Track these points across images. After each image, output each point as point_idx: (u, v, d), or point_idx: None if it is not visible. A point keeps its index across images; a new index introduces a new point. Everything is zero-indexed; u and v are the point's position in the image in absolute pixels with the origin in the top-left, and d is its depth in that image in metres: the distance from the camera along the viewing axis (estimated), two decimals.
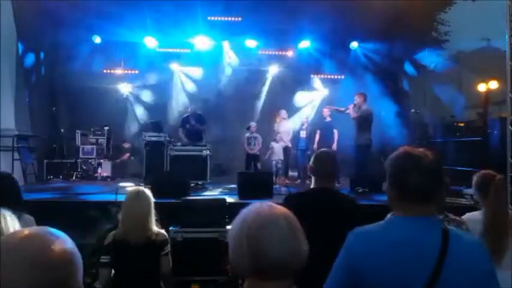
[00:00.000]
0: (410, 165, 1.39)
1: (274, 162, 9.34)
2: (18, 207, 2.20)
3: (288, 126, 9.69)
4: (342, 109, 8.13)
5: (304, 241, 1.14)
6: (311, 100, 11.90)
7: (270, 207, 1.16)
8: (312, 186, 2.65)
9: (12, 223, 1.54)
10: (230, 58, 11.55)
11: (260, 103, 12.00)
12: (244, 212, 1.15)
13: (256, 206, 1.16)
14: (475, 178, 2.86)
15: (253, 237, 1.08)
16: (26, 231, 0.88)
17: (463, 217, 2.69)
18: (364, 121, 7.48)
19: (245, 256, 1.09)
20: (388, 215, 2.56)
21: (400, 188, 1.42)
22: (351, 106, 7.71)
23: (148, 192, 2.94)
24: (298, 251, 1.10)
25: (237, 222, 1.15)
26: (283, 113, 9.87)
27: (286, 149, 9.48)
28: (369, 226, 1.46)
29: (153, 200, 2.93)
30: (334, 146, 8.94)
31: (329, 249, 2.38)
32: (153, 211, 2.90)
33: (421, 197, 1.38)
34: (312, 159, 2.71)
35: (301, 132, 9.78)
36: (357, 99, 7.53)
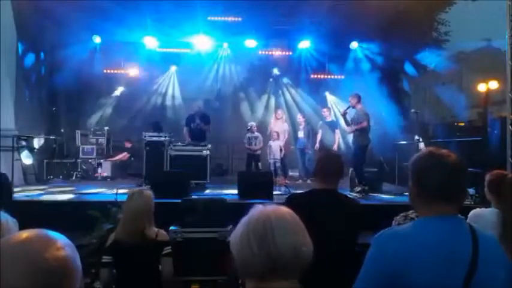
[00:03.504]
0: (434, 164, 1.40)
1: (272, 161, 9.31)
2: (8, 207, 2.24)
3: (282, 126, 9.65)
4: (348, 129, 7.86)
5: (309, 239, 1.15)
6: (311, 100, 11.90)
7: (274, 207, 1.18)
8: (315, 187, 2.64)
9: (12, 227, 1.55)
10: (230, 58, 11.55)
11: (260, 103, 12.01)
12: (247, 216, 1.16)
13: (260, 208, 1.17)
14: (487, 178, 2.84)
15: (264, 237, 1.09)
16: (24, 234, 0.87)
17: (473, 211, 2.69)
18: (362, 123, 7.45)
19: (256, 258, 1.08)
20: (398, 217, 2.58)
21: (423, 187, 1.42)
22: (346, 109, 7.66)
23: (149, 192, 2.94)
24: (306, 247, 1.12)
25: (241, 226, 1.15)
26: (279, 113, 9.87)
27: (281, 149, 9.45)
28: (398, 227, 1.48)
29: (153, 200, 2.93)
30: (335, 146, 8.93)
31: (332, 250, 2.39)
32: (152, 211, 2.90)
33: (444, 196, 1.38)
34: (316, 160, 2.71)
35: (299, 132, 9.77)
36: (351, 101, 7.52)
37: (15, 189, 6.81)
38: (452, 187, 1.39)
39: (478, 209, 2.77)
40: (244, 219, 1.15)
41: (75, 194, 6.88)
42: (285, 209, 1.18)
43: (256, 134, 9.46)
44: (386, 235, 1.42)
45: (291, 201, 2.67)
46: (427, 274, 1.27)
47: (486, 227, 2.42)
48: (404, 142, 9.03)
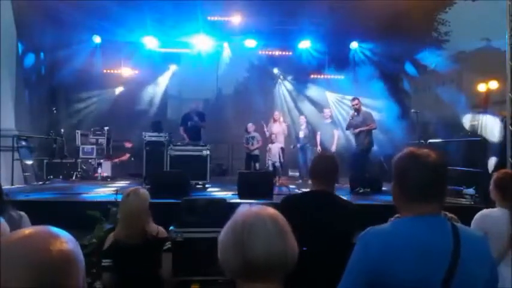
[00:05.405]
0: (414, 165, 1.41)
1: (270, 162, 9.29)
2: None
3: (280, 127, 9.63)
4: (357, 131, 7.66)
5: (294, 243, 1.13)
6: (311, 100, 11.90)
7: (258, 209, 1.15)
8: (311, 188, 2.64)
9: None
10: (230, 58, 11.55)
11: (260, 103, 12.01)
12: (233, 216, 1.16)
13: (244, 209, 1.16)
14: (495, 176, 2.85)
15: (239, 239, 1.09)
16: (27, 230, 0.87)
17: (480, 212, 2.70)
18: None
19: (231, 258, 1.10)
20: (392, 218, 2.58)
21: (405, 188, 1.43)
22: (352, 115, 7.72)
23: (143, 191, 2.94)
24: (286, 252, 1.09)
25: (225, 227, 1.16)
26: (277, 114, 9.87)
27: (282, 150, 9.42)
28: (382, 226, 1.47)
29: (149, 198, 2.92)
30: (333, 148, 8.90)
31: (326, 250, 2.39)
32: (148, 209, 2.89)
33: (425, 195, 1.39)
34: (312, 162, 2.71)
35: (300, 132, 9.77)
36: (356, 104, 7.59)
37: (16, 190, 6.82)
38: (433, 187, 1.40)
39: (485, 210, 2.76)
40: (229, 220, 1.16)
41: (75, 194, 6.88)
42: (268, 212, 1.15)
43: (253, 134, 9.47)
44: (370, 234, 1.42)
45: (285, 203, 2.68)
46: (408, 272, 1.28)
47: (495, 226, 2.43)
48: (405, 142, 9.02)
